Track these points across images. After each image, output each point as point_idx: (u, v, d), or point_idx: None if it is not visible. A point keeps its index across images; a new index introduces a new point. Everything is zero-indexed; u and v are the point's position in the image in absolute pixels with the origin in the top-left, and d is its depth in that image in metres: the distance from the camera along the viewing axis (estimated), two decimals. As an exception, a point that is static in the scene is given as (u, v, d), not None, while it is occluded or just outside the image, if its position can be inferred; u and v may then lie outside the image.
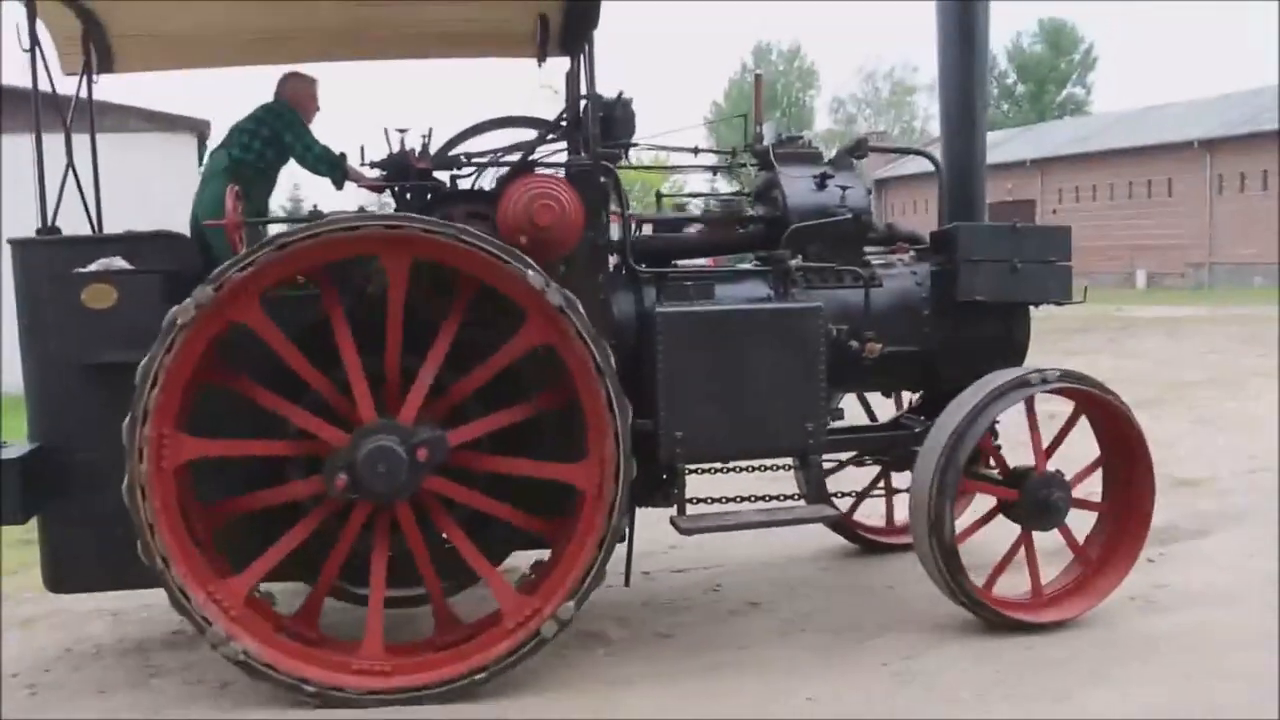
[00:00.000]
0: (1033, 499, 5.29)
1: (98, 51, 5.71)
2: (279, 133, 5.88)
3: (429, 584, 4.97)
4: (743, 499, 5.60)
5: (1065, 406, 5.44)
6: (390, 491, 4.57)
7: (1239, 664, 4.69)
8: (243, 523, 4.90)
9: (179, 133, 15.61)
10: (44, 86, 5.14)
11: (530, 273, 4.48)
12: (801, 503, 5.34)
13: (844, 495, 6.43)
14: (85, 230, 5.52)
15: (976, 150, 5.89)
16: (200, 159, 21.55)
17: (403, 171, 5.13)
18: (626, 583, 5.38)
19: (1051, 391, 5.27)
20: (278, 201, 25.40)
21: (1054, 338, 17.10)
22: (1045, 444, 5.34)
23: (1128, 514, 5.44)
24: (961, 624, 5.23)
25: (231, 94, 6.15)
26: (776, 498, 5.65)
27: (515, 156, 5.20)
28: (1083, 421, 5.45)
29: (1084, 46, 66.31)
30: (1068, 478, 5.32)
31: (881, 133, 58.78)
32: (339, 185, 5.91)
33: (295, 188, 43.45)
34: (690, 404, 4.93)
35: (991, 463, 5.65)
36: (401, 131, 5.19)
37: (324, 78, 6.17)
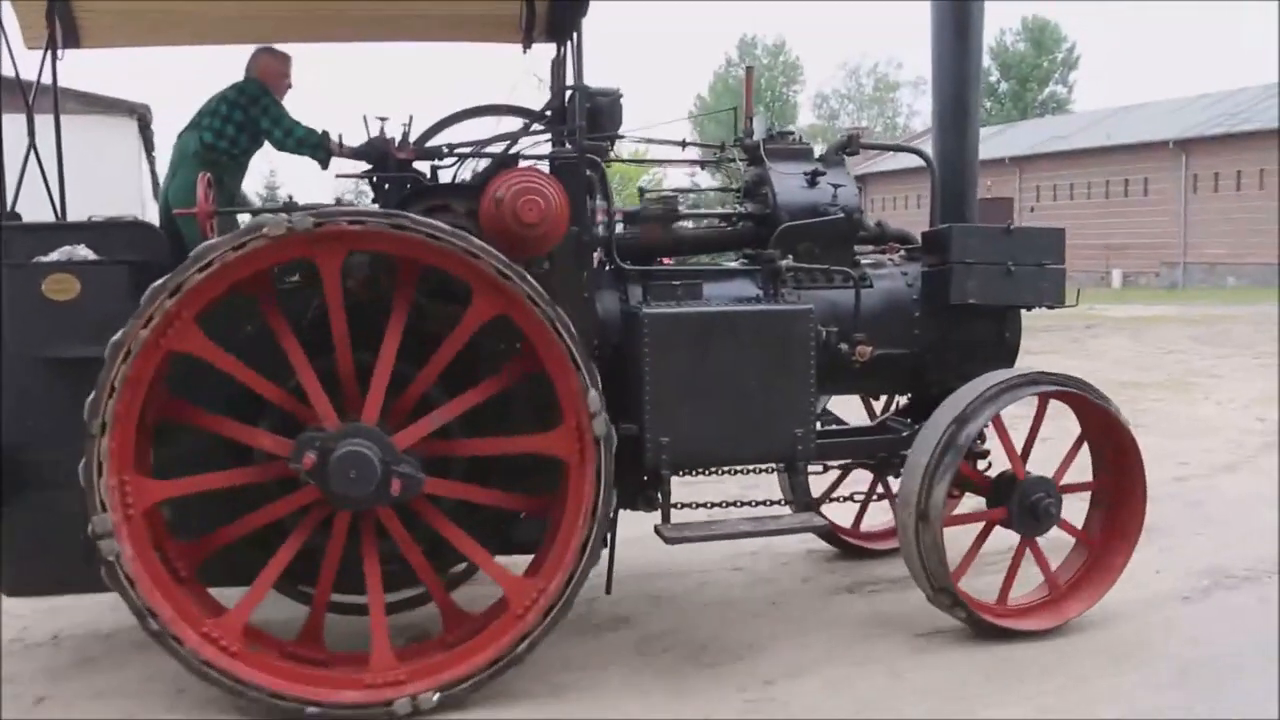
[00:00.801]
0: (1021, 507, 5.22)
1: (63, 26, 5.49)
2: (254, 118, 5.68)
3: (428, 581, 4.81)
4: (727, 504, 5.47)
5: (1029, 410, 5.40)
6: (364, 498, 4.41)
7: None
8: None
9: (117, 116, 15.24)
10: (6, 63, 4.97)
11: (461, 244, 4.29)
12: (788, 510, 5.22)
13: (830, 500, 6.33)
14: (48, 217, 5.33)
15: (969, 149, 5.79)
16: (144, 143, 21.13)
17: (381, 161, 4.97)
18: (608, 590, 5.25)
19: (1049, 395, 5.20)
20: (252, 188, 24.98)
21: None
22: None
23: (1119, 505, 5.40)
24: (831, 648, 5.11)
25: (182, 75, 5.95)
26: (763, 503, 5.53)
27: (499, 148, 5.07)
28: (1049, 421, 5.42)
29: (1067, 45, 66.57)
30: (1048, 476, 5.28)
31: (863, 129, 58.84)
32: (324, 165, 5.68)
33: (271, 174, 42.78)
34: (676, 408, 4.79)
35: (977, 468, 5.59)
36: (382, 120, 5.03)
37: (300, 59, 5.99)
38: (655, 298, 4.99)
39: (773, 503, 5.62)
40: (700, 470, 5.24)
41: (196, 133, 5.72)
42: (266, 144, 5.82)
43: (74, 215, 5.10)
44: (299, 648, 4.70)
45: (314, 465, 4.32)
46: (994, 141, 46.67)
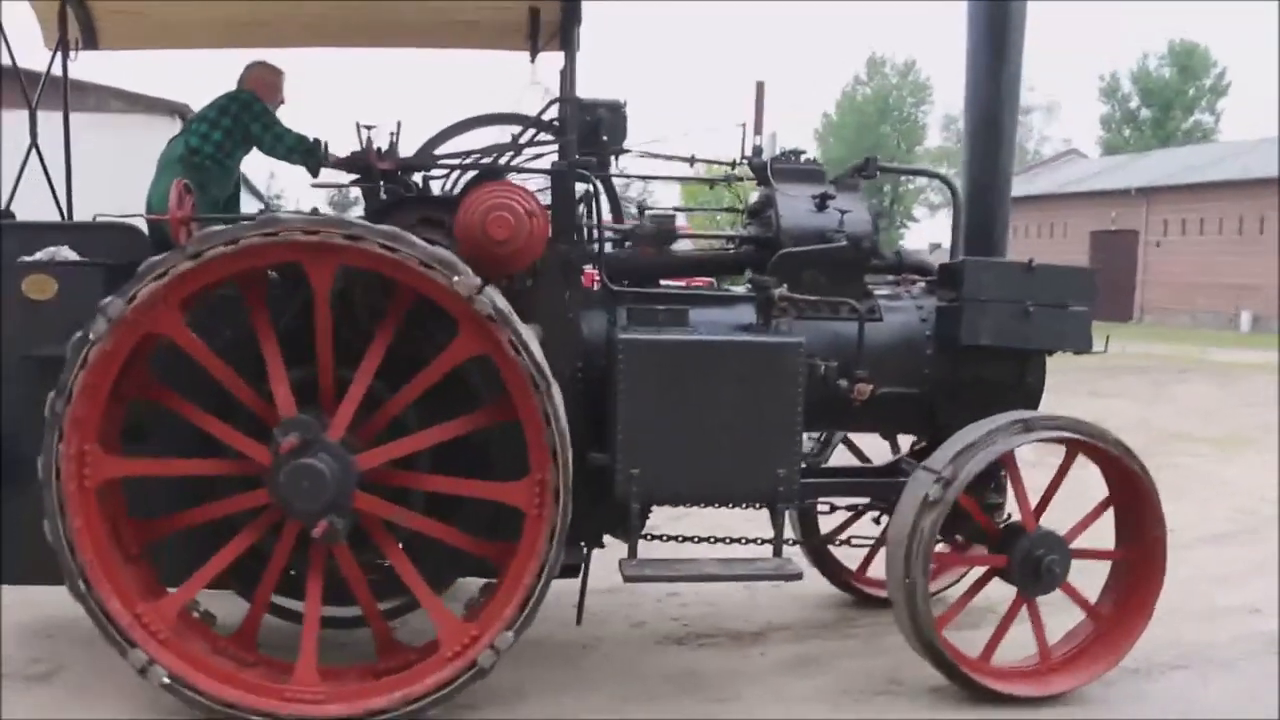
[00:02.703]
0: (1024, 561, 4.88)
1: (80, 26, 5.59)
2: (245, 124, 5.68)
3: (364, 606, 4.71)
4: (716, 540, 5.21)
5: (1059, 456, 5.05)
6: (315, 511, 4.31)
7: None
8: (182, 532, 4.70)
9: (158, 115, 15.66)
10: (11, 61, 5.05)
11: (455, 279, 4.15)
12: (767, 551, 4.94)
13: (840, 543, 6.04)
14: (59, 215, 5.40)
15: (1000, 174, 5.40)
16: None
17: (366, 172, 4.90)
18: (578, 621, 5.07)
19: (1047, 440, 4.87)
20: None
21: (1094, 375, 16.40)
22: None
23: (1138, 572, 5.03)
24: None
25: (211, 79, 5.97)
26: (755, 540, 5.28)
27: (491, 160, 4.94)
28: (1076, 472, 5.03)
29: (1216, 71, 63.72)
30: (1062, 532, 4.93)
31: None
32: (314, 173, 5.64)
33: (271, 175, 42.96)
34: (649, 440, 4.60)
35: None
36: (368, 128, 4.96)
37: (305, 67, 5.98)
38: (635, 322, 4.79)
39: (763, 541, 5.34)
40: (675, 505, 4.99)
41: (183, 137, 5.74)
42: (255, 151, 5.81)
43: (108, 214, 5.14)
44: (231, 644, 4.63)
45: (292, 450, 4.23)
46: (1122, 171, 45.22)
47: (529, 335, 4.29)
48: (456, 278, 4.15)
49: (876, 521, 5.92)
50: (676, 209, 5.50)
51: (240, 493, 4.53)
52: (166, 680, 4.31)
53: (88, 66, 5.47)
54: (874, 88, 66.49)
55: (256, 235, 4.14)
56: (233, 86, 5.95)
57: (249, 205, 7.44)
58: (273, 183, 42.46)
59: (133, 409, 4.54)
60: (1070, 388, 14.68)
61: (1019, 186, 47.47)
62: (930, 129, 70.01)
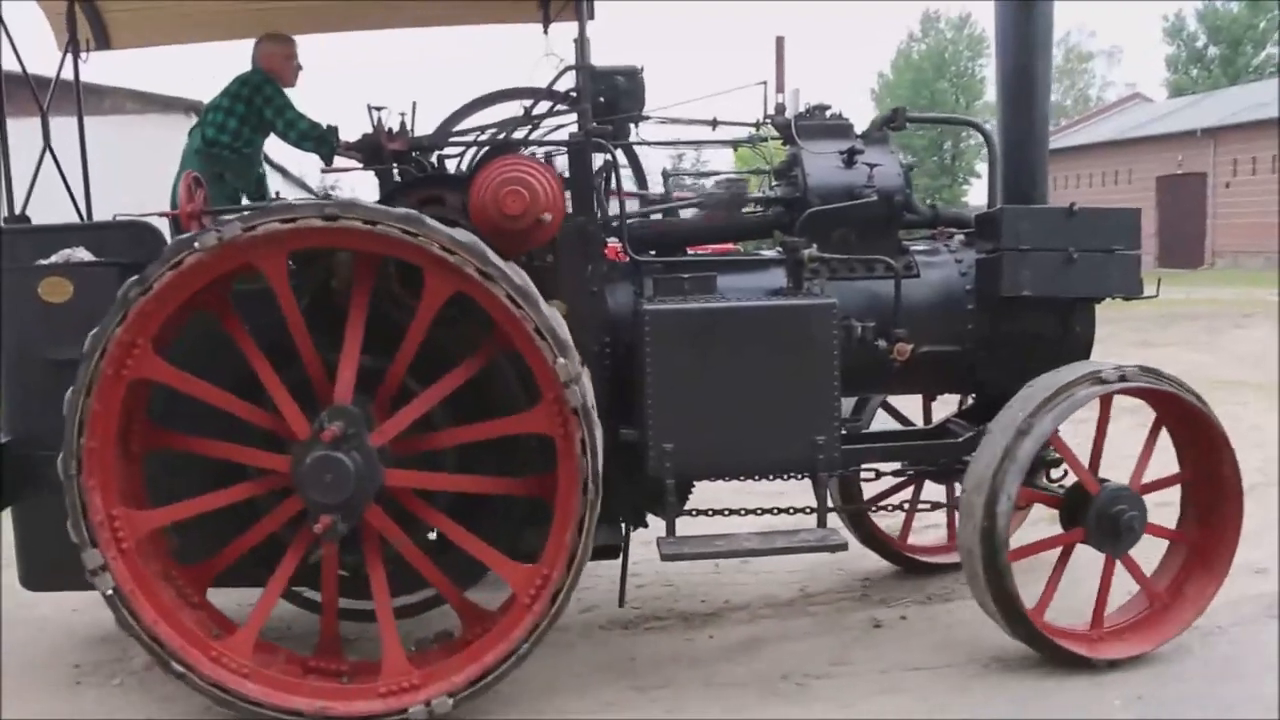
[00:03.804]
0: (1099, 522, 4.73)
1: (91, 26, 5.61)
2: (258, 108, 5.64)
3: (435, 582, 4.63)
4: (747, 512, 5.11)
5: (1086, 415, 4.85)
6: (346, 501, 4.29)
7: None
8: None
9: (174, 114, 15.83)
10: (19, 66, 5.06)
11: (394, 228, 4.05)
12: (809, 522, 4.85)
13: (879, 509, 5.92)
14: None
15: (1037, 119, 5.22)
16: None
17: (376, 154, 4.86)
18: (620, 602, 5.02)
19: (1128, 391, 4.71)
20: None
21: (1149, 324, 15.90)
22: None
23: (1207, 542, 4.87)
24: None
25: (224, 70, 5.95)
26: (788, 510, 5.19)
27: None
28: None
29: (1289, -1, 61.36)
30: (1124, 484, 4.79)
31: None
32: (328, 161, 5.62)
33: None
34: (681, 413, 4.51)
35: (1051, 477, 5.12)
36: (378, 109, 4.91)
37: (320, 54, 5.94)
38: (661, 292, 4.70)
39: (802, 510, 5.23)
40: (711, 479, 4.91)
41: (201, 129, 5.73)
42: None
43: (127, 214, 5.17)
44: (319, 660, 4.61)
45: (336, 436, 4.18)
46: (1188, 113, 43.96)
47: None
48: (396, 228, 4.06)
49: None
50: (700, 174, 5.38)
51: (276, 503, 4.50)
52: (258, 709, 4.31)
53: (101, 70, 5.47)
54: (929, 44, 65.42)
55: (276, 221, 4.09)
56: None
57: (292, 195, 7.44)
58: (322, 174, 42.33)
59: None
60: (1123, 337, 14.30)
61: (1081, 135, 46.85)
62: (988, 83, 68.62)
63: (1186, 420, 4.83)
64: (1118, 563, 4.83)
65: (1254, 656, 4.78)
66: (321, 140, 5.56)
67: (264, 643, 4.55)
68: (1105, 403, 4.78)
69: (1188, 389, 4.75)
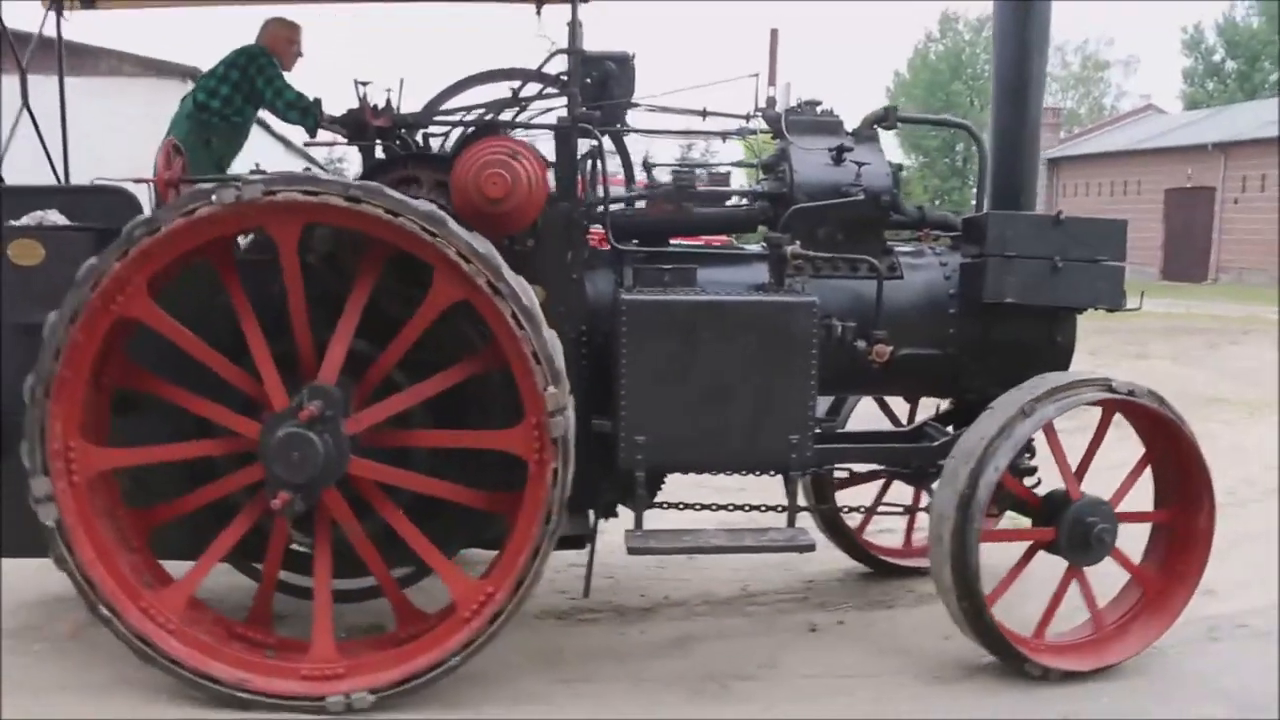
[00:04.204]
0: (1072, 531, 4.77)
1: (75, -14, 5.61)
2: (250, 77, 5.66)
3: (378, 574, 4.68)
4: (719, 507, 5.15)
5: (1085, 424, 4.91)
6: (308, 482, 4.30)
7: None
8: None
9: (171, 78, 15.87)
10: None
11: (416, 224, 4.09)
12: (779, 521, 4.87)
13: (850, 510, 5.93)
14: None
15: (1029, 123, 5.22)
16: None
17: (360, 130, 4.87)
18: (585, 593, 5.04)
19: (1130, 408, 4.78)
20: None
21: (1147, 336, 16.01)
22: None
23: (1166, 585, 4.95)
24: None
25: (227, 40, 5.97)
26: (758, 508, 5.22)
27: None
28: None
29: (1309, 18, 61.20)
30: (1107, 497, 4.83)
31: (1057, 110, 56.45)
32: (312, 134, 5.64)
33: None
34: (655, 405, 4.54)
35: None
36: (363, 84, 4.92)
37: (311, 25, 5.96)
38: (641, 282, 4.71)
39: (769, 508, 5.26)
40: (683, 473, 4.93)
41: (192, 94, 5.74)
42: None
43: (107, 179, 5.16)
44: (247, 629, 4.65)
45: (313, 416, 4.21)
46: (1200, 126, 43.96)
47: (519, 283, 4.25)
48: (415, 223, 4.10)
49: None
50: (684, 165, 5.38)
51: (237, 469, 4.51)
52: (180, 669, 4.33)
53: (99, 32, 5.49)
54: (947, 45, 65.39)
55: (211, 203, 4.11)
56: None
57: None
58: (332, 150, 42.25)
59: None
60: (1118, 349, 14.33)
61: (1092, 144, 46.74)
62: (1004, 87, 68.43)
63: (1177, 458, 4.86)
64: (1073, 581, 4.86)
65: (1191, 681, 4.79)
66: (306, 111, 5.59)
67: (196, 601, 4.57)
68: (1108, 413, 4.82)
69: (1143, 391, 4.77)
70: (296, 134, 5.96)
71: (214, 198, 4.12)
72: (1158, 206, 41.65)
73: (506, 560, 4.41)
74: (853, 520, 6.15)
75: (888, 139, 5.42)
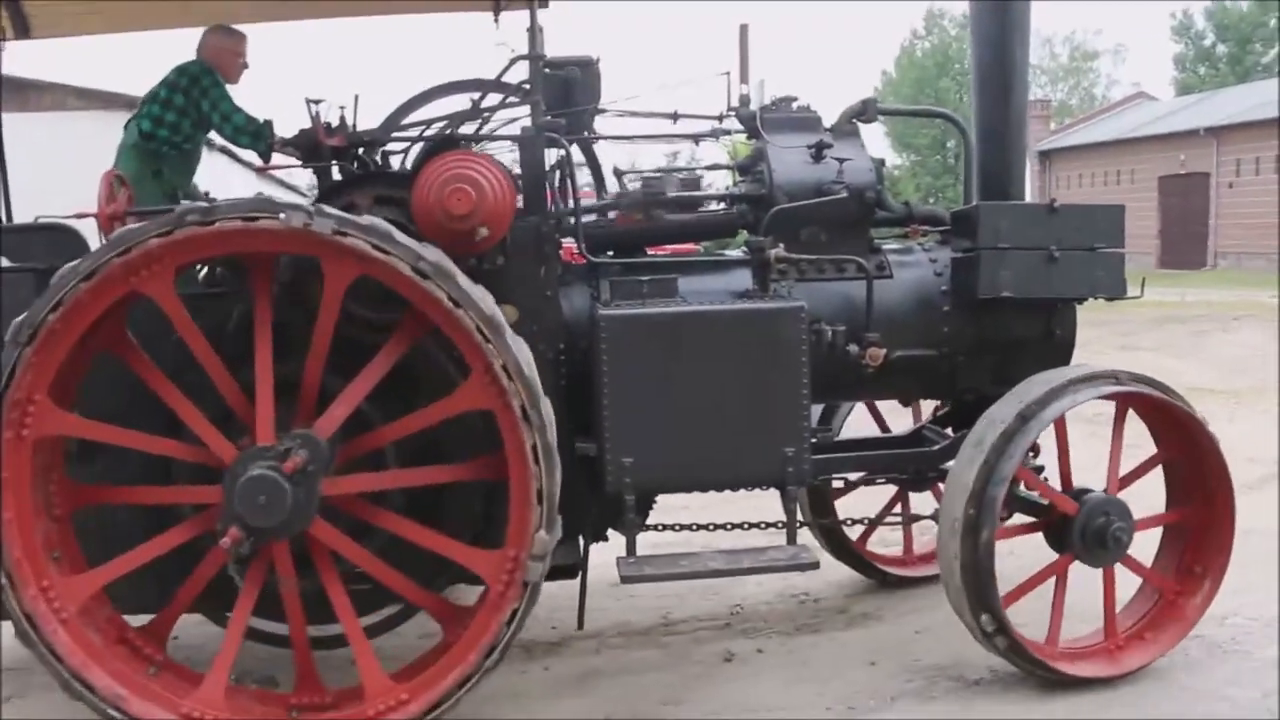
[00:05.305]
0: (1085, 531, 4.75)
1: (10, 16, 5.56)
2: (195, 101, 5.61)
3: (405, 590, 4.53)
4: (716, 527, 5.12)
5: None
6: (286, 521, 4.22)
7: None
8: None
9: (117, 110, 15.89)
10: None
11: (282, 215, 3.97)
12: (778, 539, 4.84)
13: (854, 522, 5.94)
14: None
15: (1014, 112, 5.23)
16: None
17: (313, 150, 4.83)
18: (579, 625, 5.00)
19: (1112, 396, 4.75)
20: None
21: (1135, 326, 16.11)
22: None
23: (1199, 539, 4.93)
24: None
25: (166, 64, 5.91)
26: (758, 525, 5.19)
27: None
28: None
29: (1299, -3, 61.82)
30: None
31: (1045, 101, 56.93)
32: (265, 158, 5.58)
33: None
34: (641, 425, 4.50)
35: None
36: (315, 103, 4.88)
37: (260, 42, 5.92)
38: (618, 296, 4.69)
39: (768, 525, 5.23)
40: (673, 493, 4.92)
41: (136, 121, 5.69)
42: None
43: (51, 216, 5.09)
44: (300, 696, 4.52)
45: (297, 468, 4.10)
46: (1192, 112, 44.39)
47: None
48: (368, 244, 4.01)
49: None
50: (657, 170, 5.36)
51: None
52: (53, 661, 4.18)
53: (43, 65, 5.44)
54: (933, 41, 65.94)
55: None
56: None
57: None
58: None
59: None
60: (1104, 340, 14.35)
61: (1083, 134, 47.04)
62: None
63: (1193, 455, 4.87)
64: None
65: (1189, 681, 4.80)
66: (258, 135, 5.52)
67: (235, 688, 4.48)
68: (1121, 410, 4.83)
69: (1159, 384, 4.80)
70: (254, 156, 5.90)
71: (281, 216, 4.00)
72: (1152, 194, 41.98)
73: (435, 671, 4.30)
74: (854, 532, 6.13)
75: (878, 138, 5.44)
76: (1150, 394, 4.75)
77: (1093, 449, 5.02)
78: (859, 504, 6.10)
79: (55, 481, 4.40)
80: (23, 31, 5.71)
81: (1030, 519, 5.02)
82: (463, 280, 4.10)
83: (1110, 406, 4.85)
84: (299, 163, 5.11)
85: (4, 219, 5.45)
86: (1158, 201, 41.45)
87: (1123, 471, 4.89)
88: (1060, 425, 4.75)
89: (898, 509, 6.16)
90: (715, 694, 4.95)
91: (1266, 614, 5.34)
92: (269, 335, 4.23)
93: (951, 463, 4.83)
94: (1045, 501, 4.93)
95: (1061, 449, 4.84)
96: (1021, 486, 5.03)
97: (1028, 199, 5.33)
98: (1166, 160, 41.94)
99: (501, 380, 4.08)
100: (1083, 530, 4.75)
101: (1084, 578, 4.88)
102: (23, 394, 4.06)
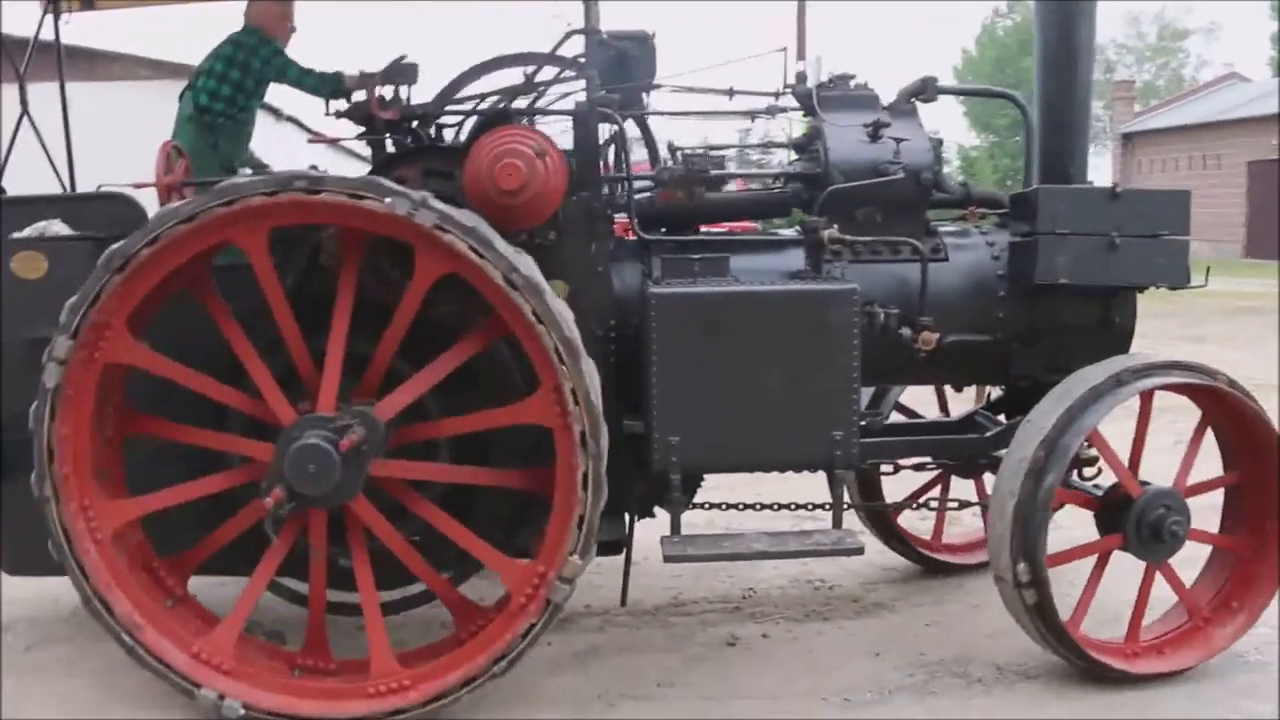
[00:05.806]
0: (1139, 522, 4.75)
1: (73, -14, 5.75)
2: (257, 70, 5.74)
3: (427, 579, 4.70)
4: (763, 507, 5.18)
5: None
6: (330, 493, 4.37)
7: None
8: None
9: (180, 79, 16.20)
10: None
11: (388, 200, 4.08)
12: (826, 524, 4.89)
13: (903, 507, 5.98)
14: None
15: (1078, 91, 5.21)
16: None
17: (369, 123, 4.94)
18: (623, 601, 5.09)
19: (1170, 388, 4.73)
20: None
21: (1208, 317, 15.97)
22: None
23: (1244, 573, 4.94)
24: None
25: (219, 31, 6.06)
26: (805, 506, 5.25)
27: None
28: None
29: None
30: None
31: (1130, 83, 55.96)
32: (336, 96, 5.66)
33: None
34: (689, 404, 4.55)
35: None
36: (370, 76, 5.00)
37: (315, 13, 6.04)
38: (670, 274, 4.76)
39: (815, 506, 5.28)
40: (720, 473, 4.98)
41: (192, 94, 5.84)
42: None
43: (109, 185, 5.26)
44: (305, 658, 4.69)
45: (352, 446, 4.21)
46: (1285, 91, 43.45)
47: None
48: (389, 199, 4.10)
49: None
50: (713, 147, 5.38)
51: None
52: (242, 712, 4.37)
53: (114, 36, 5.62)
54: (1016, 20, 65.15)
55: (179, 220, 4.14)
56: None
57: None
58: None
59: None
60: (1174, 331, 14.23)
61: (1168, 117, 46.18)
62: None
63: (1264, 486, 4.85)
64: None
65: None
66: (323, 79, 5.69)
67: (244, 638, 4.61)
68: (1145, 401, 4.79)
69: (1240, 388, 4.76)
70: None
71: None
72: (1240, 180, 41.14)
73: (552, 539, 4.36)
74: (910, 521, 6.17)
75: (956, 119, 5.45)
76: (1243, 403, 4.73)
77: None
78: (904, 488, 6.13)
79: (113, 404, 4.56)
80: (86, 3, 5.91)
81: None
82: (550, 298, 4.20)
83: (1169, 403, 4.85)
84: (353, 135, 5.23)
85: (69, 187, 5.65)
86: (1246, 188, 40.62)
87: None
88: (1146, 403, 4.75)
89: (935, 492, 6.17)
90: (712, 678, 4.99)
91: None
92: (349, 308, 4.35)
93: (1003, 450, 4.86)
94: (1095, 491, 4.94)
95: (1140, 432, 4.83)
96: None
97: (1109, 182, 5.28)
98: (1256, 145, 41.03)
99: (568, 403, 4.19)
100: (1140, 516, 4.74)
101: (1115, 579, 4.90)
102: (103, 318, 4.21)
